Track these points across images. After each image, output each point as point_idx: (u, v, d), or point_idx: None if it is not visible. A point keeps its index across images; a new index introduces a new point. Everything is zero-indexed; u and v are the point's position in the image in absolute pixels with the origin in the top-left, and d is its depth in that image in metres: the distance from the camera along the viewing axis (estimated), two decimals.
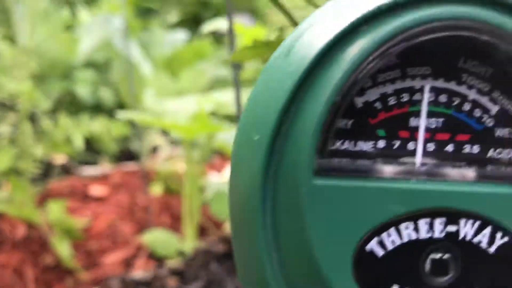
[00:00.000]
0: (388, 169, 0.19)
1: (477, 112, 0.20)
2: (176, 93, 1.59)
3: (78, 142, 1.10)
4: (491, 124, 0.20)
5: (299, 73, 0.17)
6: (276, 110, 0.18)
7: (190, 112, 0.86)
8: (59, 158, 1.48)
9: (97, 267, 1.07)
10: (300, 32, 0.19)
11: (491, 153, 0.20)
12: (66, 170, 1.57)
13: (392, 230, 0.18)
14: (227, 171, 1.49)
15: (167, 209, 1.30)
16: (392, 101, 0.19)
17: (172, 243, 0.83)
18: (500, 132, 0.19)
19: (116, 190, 1.38)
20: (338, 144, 0.19)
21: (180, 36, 2.27)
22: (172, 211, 1.29)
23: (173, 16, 2.51)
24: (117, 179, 1.46)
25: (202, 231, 1.10)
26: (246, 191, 0.18)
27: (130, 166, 1.58)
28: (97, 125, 1.13)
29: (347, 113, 0.18)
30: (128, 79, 1.47)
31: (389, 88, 0.19)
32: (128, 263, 1.09)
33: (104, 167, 1.55)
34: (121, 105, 1.90)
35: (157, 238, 0.86)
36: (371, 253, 0.18)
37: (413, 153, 0.19)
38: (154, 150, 1.71)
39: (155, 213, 1.26)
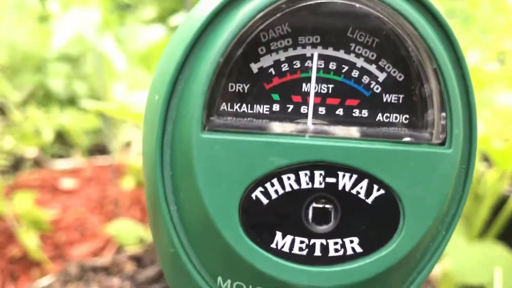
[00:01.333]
0: (277, 128, 0.20)
1: (366, 79, 0.21)
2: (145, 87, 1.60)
3: (48, 135, 1.10)
4: (378, 90, 0.21)
5: (189, 38, 0.18)
6: (171, 71, 0.19)
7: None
8: (31, 152, 1.48)
9: (65, 259, 1.07)
10: (197, 3, 0.20)
11: (379, 117, 0.21)
12: (37, 163, 1.56)
13: (275, 180, 0.19)
14: None
15: (137, 202, 1.30)
16: (285, 67, 0.20)
17: (135, 232, 0.84)
18: (387, 97, 0.21)
19: (87, 183, 1.38)
20: (236, 106, 0.20)
21: (157, 31, 2.26)
22: (142, 205, 1.29)
23: (150, 11, 2.51)
24: (88, 172, 1.46)
25: None
26: (149, 149, 0.19)
27: (103, 160, 1.58)
28: (68, 118, 1.13)
29: (244, 78, 0.20)
30: (100, 73, 1.47)
31: (282, 56, 0.20)
32: (95, 255, 1.09)
33: (76, 160, 1.55)
34: (94, 99, 1.90)
35: (121, 228, 0.86)
36: (256, 201, 0.19)
37: (305, 115, 0.20)
38: (128, 144, 1.70)
39: (125, 206, 1.26)
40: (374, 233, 0.20)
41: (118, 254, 0.62)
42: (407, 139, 0.19)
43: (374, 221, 0.20)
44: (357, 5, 0.19)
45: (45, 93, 1.87)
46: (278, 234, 0.20)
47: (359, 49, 0.21)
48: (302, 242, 0.19)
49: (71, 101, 1.88)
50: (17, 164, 1.53)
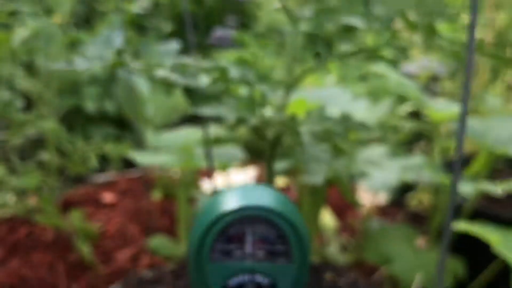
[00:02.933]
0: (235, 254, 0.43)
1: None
2: (171, 110, 1.85)
3: (93, 162, 1.37)
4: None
5: (205, 226, 0.42)
6: (198, 236, 0.43)
7: (180, 145, 1.13)
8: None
9: (112, 262, 1.35)
10: (206, 205, 0.44)
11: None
12: (78, 178, 1.85)
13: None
14: (217, 178, 1.76)
15: (166, 212, 1.57)
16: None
17: (170, 247, 1.11)
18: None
19: (123, 196, 1.66)
20: (222, 246, 0.44)
21: (173, 45, 2.49)
22: (170, 215, 1.56)
23: (167, 26, 2.75)
24: (123, 185, 1.73)
25: None
26: (191, 251, 0.43)
27: (133, 173, 1.85)
28: (107, 147, 1.40)
29: (225, 237, 0.43)
30: (130, 101, 1.72)
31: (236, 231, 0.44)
32: (135, 259, 1.37)
33: (111, 174, 1.83)
34: (124, 118, 2.16)
35: (158, 243, 1.13)
36: (228, 286, 0.43)
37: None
38: None
39: (156, 216, 1.53)
40: None
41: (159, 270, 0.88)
42: (281, 260, 0.44)
43: None
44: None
45: (79, 112, 2.14)
46: None
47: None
48: None
49: (104, 119, 2.16)
50: (62, 179, 1.82)
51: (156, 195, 1.63)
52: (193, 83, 0.65)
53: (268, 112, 0.66)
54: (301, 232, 0.42)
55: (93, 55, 2.00)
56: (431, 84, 1.84)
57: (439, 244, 1.22)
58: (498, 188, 0.98)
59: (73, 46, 2.18)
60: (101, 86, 2.13)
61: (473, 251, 1.08)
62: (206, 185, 1.71)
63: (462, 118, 0.50)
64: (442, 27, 2.18)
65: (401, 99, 1.24)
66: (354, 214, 1.72)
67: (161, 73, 0.64)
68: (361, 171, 0.92)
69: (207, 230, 0.42)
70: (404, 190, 1.87)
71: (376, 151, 1.10)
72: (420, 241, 1.44)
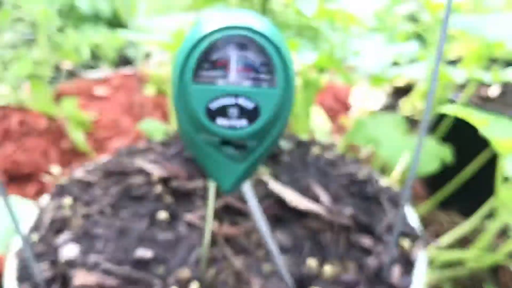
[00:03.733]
0: (219, 81, 0.43)
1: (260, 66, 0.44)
2: (165, 8, 1.81)
3: (85, 52, 1.35)
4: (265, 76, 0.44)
5: (188, 48, 0.42)
6: (182, 57, 0.43)
7: (173, 30, 1.11)
8: (66, 64, 1.74)
9: (105, 150, 1.37)
10: (192, 27, 0.44)
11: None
12: (72, 73, 1.83)
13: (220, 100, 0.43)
14: None
15: (159, 107, 1.58)
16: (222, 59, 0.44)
17: (161, 128, 1.12)
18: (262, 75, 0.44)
19: (116, 90, 1.65)
20: (206, 71, 0.43)
21: None
22: (163, 109, 1.57)
23: None
24: (116, 81, 1.72)
25: None
26: (175, 74, 0.43)
27: (127, 70, 1.84)
28: (99, 37, 1.37)
29: (209, 62, 0.43)
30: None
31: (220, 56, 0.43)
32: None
33: (104, 71, 1.81)
34: (117, 16, 2.12)
35: (150, 125, 1.14)
36: (211, 108, 0.43)
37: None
38: (148, 55, 1.95)
39: (149, 110, 1.54)
40: (251, 119, 0.44)
41: (151, 142, 0.90)
42: (265, 85, 0.44)
43: (251, 114, 0.44)
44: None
45: (72, 10, 2.09)
46: (219, 118, 0.44)
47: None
48: (228, 123, 0.44)
49: (96, 17, 2.11)
50: (55, 74, 1.81)
51: (149, 91, 1.63)
52: None
53: None
54: (285, 55, 0.42)
55: None
56: None
57: (430, 133, 1.24)
58: (489, 76, 0.98)
59: None
60: None
61: (466, 141, 1.09)
62: None
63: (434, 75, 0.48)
64: None
65: None
66: (347, 117, 1.73)
67: None
68: (355, 50, 0.91)
69: (191, 50, 0.41)
70: (398, 95, 1.87)
71: (374, 39, 1.09)
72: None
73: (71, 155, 1.34)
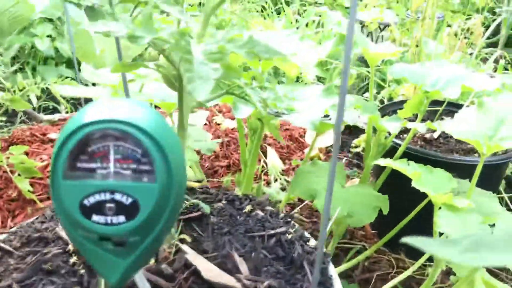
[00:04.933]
0: (96, 175, 0.43)
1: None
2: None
3: (34, 101, 1.35)
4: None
5: (61, 140, 0.41)
6: (55, 150, 0.42)
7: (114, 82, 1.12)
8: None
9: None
10: (71, 118, 0.44)
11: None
12: (29, 117, 1.82)
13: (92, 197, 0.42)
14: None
15: None
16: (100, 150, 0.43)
17: None
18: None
19: None
20: (82, 164, 0.43)
21: None
22: None
23: None
24: None
25: None
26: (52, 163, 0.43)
27: None
28: (50, 84, 1.37)
29: (87, 153, 0.43)
30: (82, 44, 1.67)
31: (98, 147, 0.43)
32: None
33: (61, 114, 1.81)
34: (78, 60, 2.12)
35: None
36: (85, 204, 0.42)
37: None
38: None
39: None
40: (130, 215, 0.44)
41: None
42: (145, 180, 0.44)
43: (129, 209, 0.44)
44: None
45: (32, 51, 2.09)
46: (95, 215, 0.44)
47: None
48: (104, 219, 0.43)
49: (56, 58, 2.11)
50: (11, 117, 1.79)
51: None
52: (93, 2, 0.63)
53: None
54: (168, 151, 0.42)
55: None
56: (382, 32, 1.83)
57: (371, 184, 1.25)
58: (423, 126, 1.00)
59: None
60: (53, 24, 2.08)
61: (403, 191, 1.10)
62: None
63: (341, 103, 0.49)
64: None
65: (343, 38, 1.23)
66: (300, 158, 1.74)
67: None
68: (285, 108, 0.92)
69: (63, 143, 0.41)
70: (350, 133, 1.90)
71: (310, 90, 1.11)
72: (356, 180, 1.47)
73: (17, 204, 1.31)
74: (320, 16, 2.05)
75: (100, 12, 0.61)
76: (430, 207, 1.02)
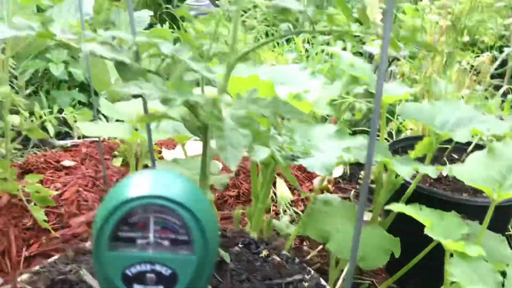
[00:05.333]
0: (137, 246, 0.45)
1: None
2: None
3: (51, 131, 1.38)
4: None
5: (105, 215, 0.44)
6: (98, 224, 0.45)
7: (134, 115, 1.14)
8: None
9: (66, 228, 1.37)
10: (111, 192, 0.46)
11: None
12: (42, 141, 1.85)
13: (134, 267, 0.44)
14: (176, 149, 1.78)
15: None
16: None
17: None
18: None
19: (82, 161, 1.67)
20: (124, 234, 0.45)
21: (145, 15, 2.45)
22: None
23: None
24: (84, 150, 1.74)
25: None
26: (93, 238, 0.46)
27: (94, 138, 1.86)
28: (68, 116, 1.40)
29: (128, 224, 0.45)
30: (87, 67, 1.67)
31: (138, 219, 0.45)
32: (90, 226, 1.39)
33: (73, 139, 1.84)
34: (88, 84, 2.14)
35: None
36: (127, 274, 0.44)
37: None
38: None
39: (113, 182, 1.55)
40: (169, 284, 0.46)
41: None
42: (183, 252, 0.46)
43: (168, 280, 0.46)
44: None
45: (46, 76, 2.13)
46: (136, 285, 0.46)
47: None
48: None
49: (69, 82, 2.15)
50: (23, 141, 1.82)
51: (116, 162, 1.65)
52: (122, 58, 0.66)
53: (210, 93, 0.66)
54: (205, 225, 0.44)
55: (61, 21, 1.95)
56: (391, 65, 1.87)
57: (381, 222, 1.27)
58: (433, 170, 1.02)
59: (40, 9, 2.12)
60: (68, 52, 2.11)
61: (413, 228, 1.12)
62: (167, 154, 1.74)
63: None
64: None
65: (355, 79, 1.26)
66: (309, 188, 1.76)
67: (88, 46, 0.64)
68: (300, 152, 0.94)
69: (107, 217, 0.44)
70: (359, 164, 1.92)
71: (323, 131, 1.13)
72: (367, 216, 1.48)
73: (32, 233, 1.33)
74: (331, 55, 2.09)
75: (127, 64, 0.63)
76: (440, 245, 1.04)
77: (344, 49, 2.49)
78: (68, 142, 1.81)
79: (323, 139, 1.06)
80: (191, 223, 0.44)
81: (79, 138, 1.90)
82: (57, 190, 1.46)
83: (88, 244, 0.91)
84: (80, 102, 2.15)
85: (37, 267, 0.84)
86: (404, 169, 1.03)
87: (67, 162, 1.61)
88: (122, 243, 0.45)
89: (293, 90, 1.18)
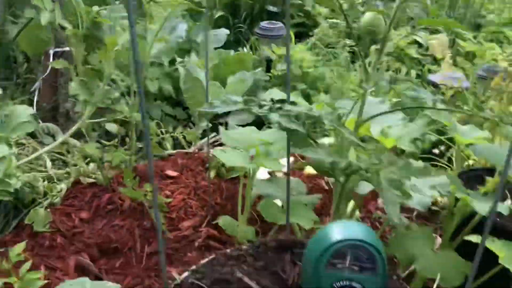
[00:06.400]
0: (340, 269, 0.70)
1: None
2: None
3: (168, 146, 1.64)
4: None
5: (321, 250, 0.68)
6: (316, 255, 0.68)
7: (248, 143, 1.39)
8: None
9: (177, 231, 1.63)
10: (317, 235, 0.69)
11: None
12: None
13: None
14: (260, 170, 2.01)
15: (218, 190, 1.83)
16: None
17: (234, 225, 1.38)
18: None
19: (181, 171, 1.92)
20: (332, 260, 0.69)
21: (223, 33, 2.69)
22: (221, 193, 1.82)
23: (217, 11, 2.97)
24: (180, 161, 1.99)
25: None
26: (309, 264, 0.68)
27: (187, 150, 2.11)
28: (178, 134, 1.66)
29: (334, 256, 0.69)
30: (193, 92, 1.93)
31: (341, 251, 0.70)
32: (195, 230, 1.64)
33: (168, 150, 2.10)
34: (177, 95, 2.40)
35: (226, 222, 1.40)
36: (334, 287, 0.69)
37: None
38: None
39: (210, 193, 1.80)
40: None
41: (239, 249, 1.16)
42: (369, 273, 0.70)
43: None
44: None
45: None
46: None
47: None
48: None
49: (160, 96, 2.41)
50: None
51: (211, 174, 1.89)
52: (297, 127, 0.89)
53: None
54: (383, 255, 0.68)
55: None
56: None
57: (454, 247, 1.48)
58: (506, 208, 1.22)
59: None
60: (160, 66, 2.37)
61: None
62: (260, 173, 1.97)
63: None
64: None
65: (433, 121, 1.47)
66: (375, 205, 1.98)
67: (274, 118, 0.88)
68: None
69: (322, 253, 0.68)
70: None
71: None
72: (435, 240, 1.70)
73: (151, 233, 1.59)
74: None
75: (297, 131, 0.84)
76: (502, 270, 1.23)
77: (406, 74, 2.71)
78: (165, 153, 2.06)
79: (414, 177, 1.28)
80: (376, 254, 0.68)
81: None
82: (167, 197, 1.71)
83: (229, 251, 1.16)
84: (166, 114, 2.41)
85: (193, 266, 1.08)
86: (482, 206, 1.24)
87: (170, 172, 1.87)
88: (331, 266, 0.69)
89: (380, 128, 1.39)
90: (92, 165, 1.71)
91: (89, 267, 1.46)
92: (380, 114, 1.00)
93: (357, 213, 1.88)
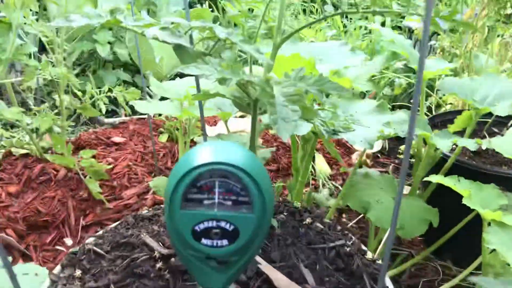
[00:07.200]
0: (204, 205, 0.51)
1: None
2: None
3: (103, 109, 1.46)
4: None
5: (177, 178, 0.50)
6: (171, 186, 0.51)
7: (181, 94, 1.20)
8: None
9: (119, 200, 1.46)
10: (181, 160, 0.52)
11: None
12: (90, 119, 1.94)
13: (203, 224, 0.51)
14: (218, 126, 1.84)
15: (169, 153, 1.67)
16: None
17: None
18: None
19: (131, 137, 1.75)
20: (193, 195, 0.52)
21: None
22: (172, 155, 1.66)
23: None
24: (131, 127, 1.82)
25: None
26: (166, 199, 0.52)
27: (142, 116, 1.94)
28: (118, 94, 1.48)
29: (196, 187, 0.51)
30: (137, 48, 1.76)
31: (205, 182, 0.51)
32: (139, 197, 1.48)
33: (121, 117, 1.92)
34: (133, 64, 2.23)
35: (158, 183, 1.23)
36: (196, 230, 0.51)
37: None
38: None
39: (160, 157, 1.63)
40: (232, 239, 0.52)
41: (157, 209, 0.98)
42: (244, 211, 0.52)
43: (231, 235, 0.52)
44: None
45: (93, 56, 2.21)
46: (204, 239, 0.53)
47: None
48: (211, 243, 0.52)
49: (115, 62, 2.23)
50: (74, 120, 1.91)
51: (162, 138, 1.72)
52: (181, 42, 0.71)
53: (257, 71, 0.72)
54: (263, 187, 0.50)
55: (106, 7, 2.03)
56: (431, 40, 1.87)
57: (420, 194, 1.30)
58: (472, 143, 1.04)
59: None
60: (113, 32, 2.19)
61: (451, 200, 1.15)
62: (209, 131, 1.80)
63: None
64: None
65: (395, 55, 1.28)
66: (348, 163, 1.80)
67: (151, 31, 0.70)
68: (342, 127, 0.98)
69: (179, 181, 0.50)
70: (398, 139, 1.94)
71: (363, 106, 1.17)
72: (406, 190, 1.52)
73: (87, 204, 1.43)
74: (369, 30, 2.09)
75: (185, 48, 0.67)
76: (478, 215, 1.07)
77: (383, 24, 2.49)
78: (116, 120, 1.90)
79: (364, 114, 1.10)
80: (251, 185, 0.50)
81: (126, 115, 1.99)
82: (109, 164, 1.54)
83: (144, 212, 0.99)
84: (124, 81, 2.24)
85: (100, 232, 0.91)
86: (443, 143, 1.06)
87: (117, 139, 1.70)
88: (192, 203, 0.51)
89: (333, 67, 1.21)
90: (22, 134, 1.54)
91: (13, 245, 1.29)
92: (304, 26, 0.81)
93: (324, 169, 1.70)
